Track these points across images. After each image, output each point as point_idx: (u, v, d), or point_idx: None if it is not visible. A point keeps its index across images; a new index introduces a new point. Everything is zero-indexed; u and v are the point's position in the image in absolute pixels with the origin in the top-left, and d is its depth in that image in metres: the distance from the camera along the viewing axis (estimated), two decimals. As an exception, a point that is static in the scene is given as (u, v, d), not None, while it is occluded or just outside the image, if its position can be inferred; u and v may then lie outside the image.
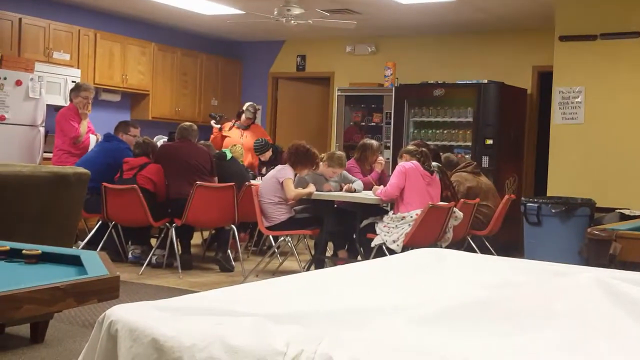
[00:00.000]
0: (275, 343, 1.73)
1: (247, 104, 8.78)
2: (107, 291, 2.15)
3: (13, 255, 2.42)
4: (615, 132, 7.45)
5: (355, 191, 6.48)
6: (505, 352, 1.83)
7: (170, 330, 1.85)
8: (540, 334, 1.99)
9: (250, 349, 1.73)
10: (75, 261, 2.38)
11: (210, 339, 1.78)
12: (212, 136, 8.78)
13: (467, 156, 8.40)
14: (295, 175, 6.39)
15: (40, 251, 2.41)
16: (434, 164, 6.59)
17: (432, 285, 2.61)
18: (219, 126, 8.81)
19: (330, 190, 6.51)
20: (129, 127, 7.29)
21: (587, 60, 7.57)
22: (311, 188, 6.30)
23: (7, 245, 2.47)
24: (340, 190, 6.57)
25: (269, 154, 8.03)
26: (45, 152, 7.79)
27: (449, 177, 6.81)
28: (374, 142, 7.40)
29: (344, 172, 6.83)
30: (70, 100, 7.33)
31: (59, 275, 2.11)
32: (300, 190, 6.27)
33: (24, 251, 2.40)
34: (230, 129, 8.73)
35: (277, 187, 6.25)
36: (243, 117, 8.63)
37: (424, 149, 6.45)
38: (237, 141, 8.42)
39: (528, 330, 2.03)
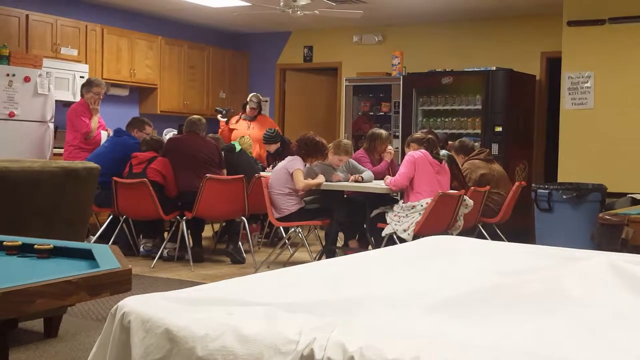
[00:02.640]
0: (287, 332, 1.73)
1: (251, 94, 8.77)
2: (120, 284, 2.15)
3: (25, 250, 2.43)
4: (626, 116, 7.40)
5: (362, 181, 6.47)
6: (520, 337, 1.82)
7: (182, 321, 1.85)
8: (554, 319, 1.99)
9: (262, 338, 1.73)
10: (87, 255, 2.39)
11: (222, 329, 1.79)
12: (219, 130, 8.77)
13: (476, 144, 8.36)
14: (305, 166, 6.39)
15: (52, 246, 2.42)
16: (444, 152, 6.58)
17: (444, 272, 2.60)
18: (225, 119, 8.81)
19: (339, 180, 6.51)
20: (144, 126, 7.30)
21: (595, 45, 7.52)
22: (320, 179, 6.30)
23: (19, 240, 2.48)
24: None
25: (275, 146, 7.95)
26: (55, 147, 7.82)
27: (458, 167, 6.78)
28: (383, 132, 7.37)
29: (353, 162, 6.82)
30: (82, 95, 7.35)
31: (71, 269, 2.12)
32: (310, 181, 6.27)
33: (35, 246, 2.40)
34: (237, 121, 8.73)
35: (287, 178, 6.26)
36: (247, 108, 8.61)
37: (431, 136, 6.43)
38: (244, 133, 8.40)
39: (542, 315, 2.02)
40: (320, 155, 6.41)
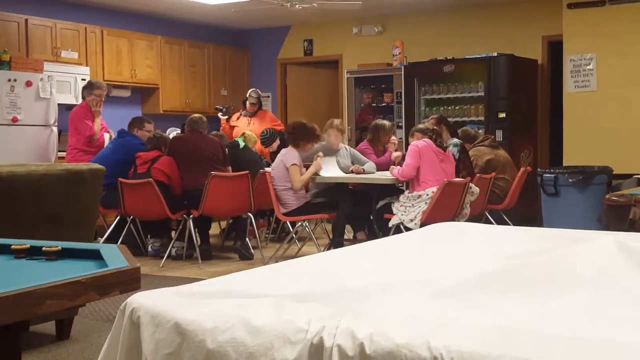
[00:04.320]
0: (296, 321, 1.73)
1: (250, 90, 8.77)
2: (128, 282, 2.16)
3: (33, 253, 2.43)
4: (629, 96, 7.38)
5: (364, 172, 6.50)
6: (530, 318, 1.82)
7: (191, 314, 1.86)
8: (563, 299, 1.99)
9: (272, 328, 1.73)
10: (95, 255, 2.39)
11: (232, 321, 1.79)
12: (220, 128, 8.76)
13: (480, 131, 8.34)
14: (300, 163, 6.37)
15: (60, 247, 2.42)
16: (455, 140, 6.58)
17: (453, 257, 2.60)
18: (225, 117, 8.80)
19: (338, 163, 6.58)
20: (143, 123, 7.32)
21: (596, 27, 7.50)
22: (316, 166, 6.30)
23: (27, 243, 2.48)
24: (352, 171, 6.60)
25: (276, 144, 7.92)
26: (59, 151, 7.83)
27: (468, 156, 6.77)
28: (386, 123, 7.37)
29: (356, 152, 6.86)
30: (83, 98, 7.36)
31: (80, 270, 2.12)
32: (305, 176, 6.26)
33: (44, 248, 2.40)
34: (237, 118, 8.72)
35: (286, 172, 6.25)
36: (247, 104, 8.60)
37: (435, 127, 6.44)
38: (245, 130, 8.38)
39: (551, 296, 2.02)
40: (312, 137, 6.42)
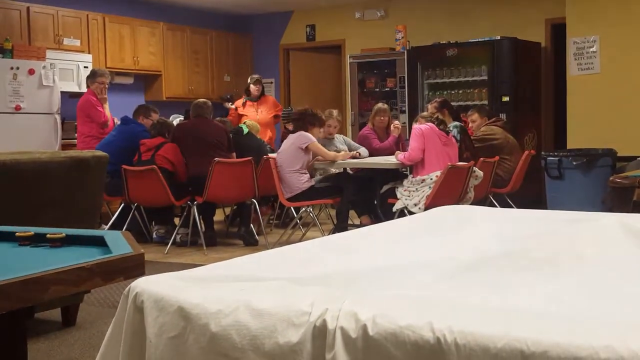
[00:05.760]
0: (300, 304, 1.74)
1: (250, 76, 8.81)
2: (133, 268, 2.16)
3: (38, 240, 2.44)
4: (633, 79, 7.35)
5: (360, 157, 6.73)
6: (533, 299, 1.82)
7: (195, 298, 1.87)
8: (568, 280, 1.99)
9: (275, 311, 1.74)
10: (99, 242, 2.39)
11: (235, 304, 1.80)
12: (229, 116, 8.75)
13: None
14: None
15: (64, 234, 2.43)
16: (455, 123, 6.59)
17: (456, 240, 2.60)
18: (234, 106, 8.80)
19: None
20: (150, 112, 7.33)
21: (600, 9, 7.45)
22: (342, 153, 6.49)
23: (31, 230, 2.49)
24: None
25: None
26: (63, 139, 7.84)
27: (469, 137, 6.77)
28: (379, 104, 7.50)
29: (349, 140, 7.02)
30: (88, 87, 7.37)
31: (84, 257, 2.12)
32: (340, 153, 6.47)
33: (48, 235, 2.41)
34: (243, 105, 8.71)
35: (297, 154, 6.27)
36: (251, 87, 8.58)
37: (438, 114, 6.46)
38: (253, 118, 8.39)
39: (555, 276, 2.03)
40: (319, 122, 6.55)
